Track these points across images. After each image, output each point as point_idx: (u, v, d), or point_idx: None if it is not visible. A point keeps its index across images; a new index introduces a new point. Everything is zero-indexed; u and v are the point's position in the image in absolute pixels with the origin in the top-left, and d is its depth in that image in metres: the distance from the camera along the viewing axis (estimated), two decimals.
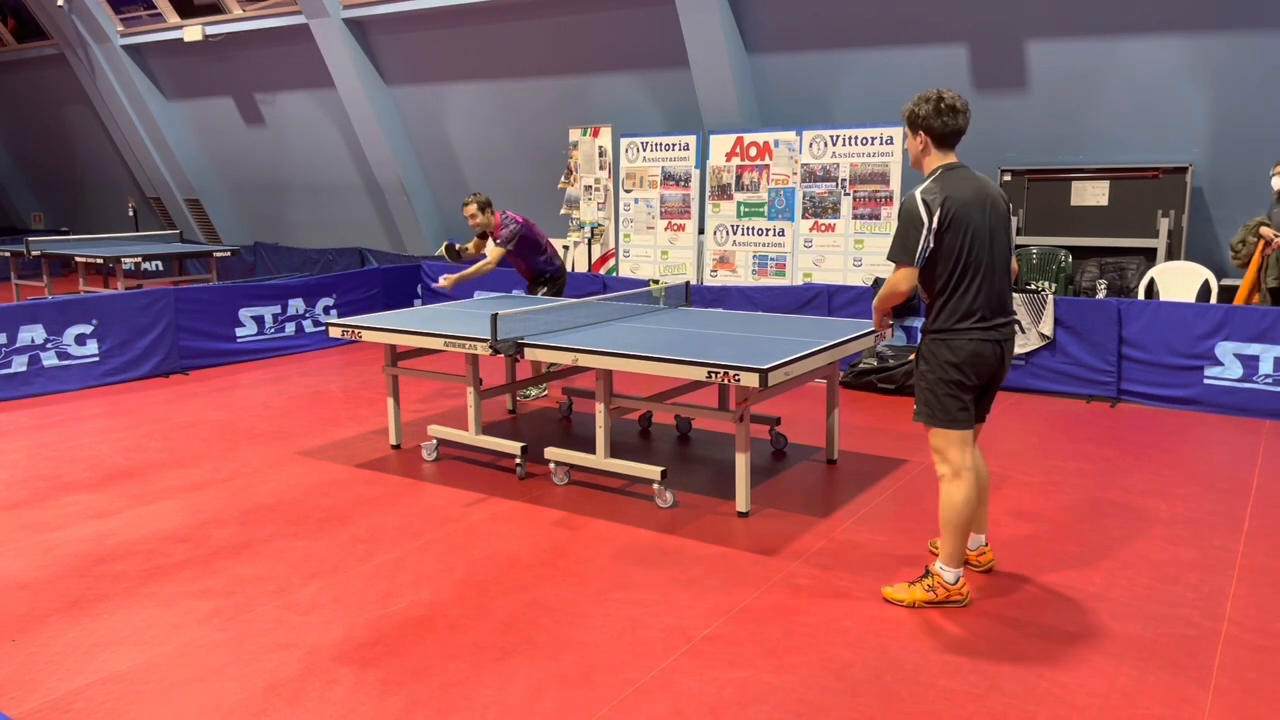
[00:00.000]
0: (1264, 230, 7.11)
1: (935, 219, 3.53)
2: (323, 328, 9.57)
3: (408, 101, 13.02)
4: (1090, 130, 8.90)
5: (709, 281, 9.80)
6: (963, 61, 9.20)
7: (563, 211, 11.32)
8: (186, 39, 13.85)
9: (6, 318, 7.53)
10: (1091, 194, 8.59)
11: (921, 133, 3.65)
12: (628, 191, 10.47)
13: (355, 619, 3.74)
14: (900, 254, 3.60)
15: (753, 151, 9.62)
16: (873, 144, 8.95)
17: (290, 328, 9.41)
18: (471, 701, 3.16)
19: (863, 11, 9.45)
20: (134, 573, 4.21)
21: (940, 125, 3.60)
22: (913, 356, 3.63)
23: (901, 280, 3.61)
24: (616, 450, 5.44)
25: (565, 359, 4.97)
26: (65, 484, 5.46)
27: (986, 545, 4.11)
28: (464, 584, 4.05)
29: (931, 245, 3.57)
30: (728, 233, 9.81)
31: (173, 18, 14.11)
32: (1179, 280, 7.95)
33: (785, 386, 4.88)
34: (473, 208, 7.04)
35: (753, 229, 9.67)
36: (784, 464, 5.69)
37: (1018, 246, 8.66)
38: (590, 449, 5.30)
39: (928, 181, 3.63)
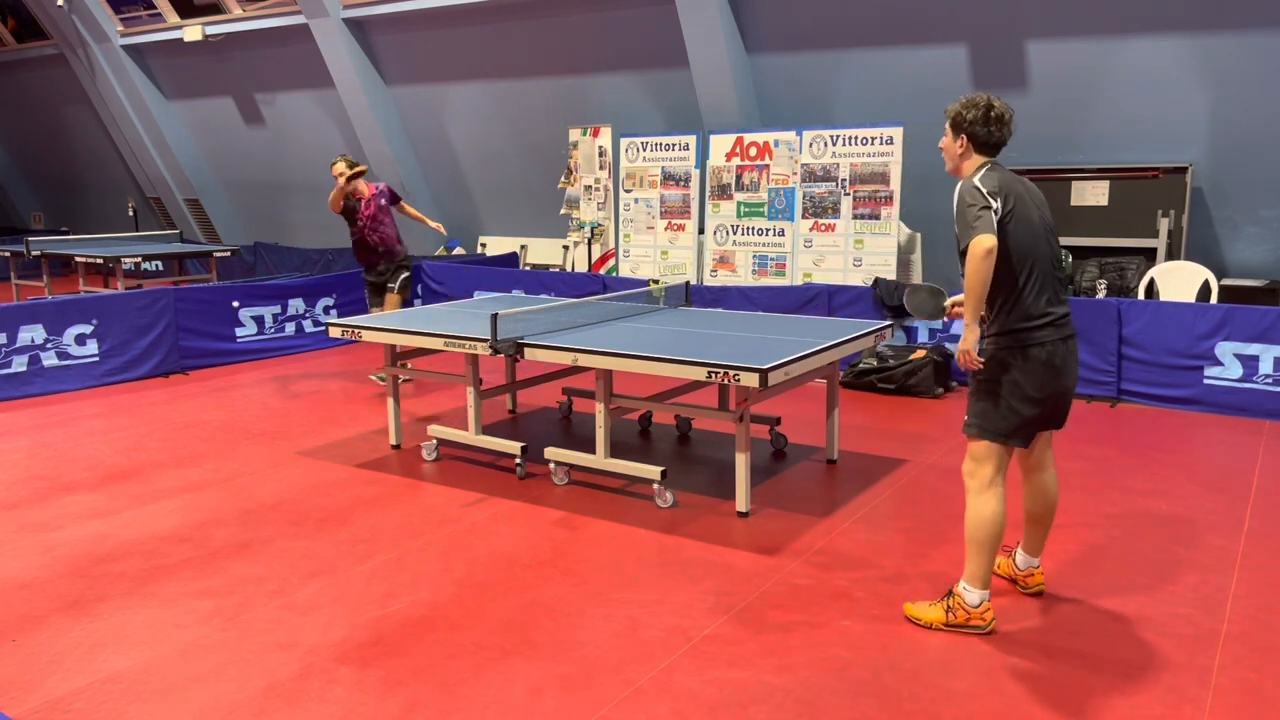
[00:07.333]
0: None
1: (999, 204, 3.38)
2: (323, 328, 9.57)
3: (408, 101, 13.02)
4: (1090, 130, 8.89)
5: (709, 281, 9.80)
6: (963, 61, 9.20)
7: (563, 211, 11.32)
8: (186, 39, 13.85)
9: (6, 318, 7.52)
10: (1091, 194, 8.59)
11: (964, 136, 3.52)
12: (628, 191, 10.46)
13: (355, 619, 3.74)
14: (970, 231, 3.32)
15: (753, 151, 9.61)
16: (873, 144, 8.94)
17: (290, 328, 9.41)
18: (471, 701, 3.16)
19: (863, 11, 9.44)
20: (134, 573, 4.21)
21: (985, 134, 3.49)
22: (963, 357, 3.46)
23: (985, 240, 3.28)
24: (616, 450, 5.44)
25: (565, 359, 4.97)
26: (65, 484, 5.46)
27: (1038, 567, 3.87)
28: (464, 584, 4.05)
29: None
30: (728, 233, 9.81)
31: (173, 18, 14.11)
32: (1179, 280, 7.95)
33: (785, 386, 4.88)
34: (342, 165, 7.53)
35: (753, 229, 9.66)
36: (784, 464, 5.69)
37: None
38: (590, 449, 5.30)
39: (981, 172, 3.46)
